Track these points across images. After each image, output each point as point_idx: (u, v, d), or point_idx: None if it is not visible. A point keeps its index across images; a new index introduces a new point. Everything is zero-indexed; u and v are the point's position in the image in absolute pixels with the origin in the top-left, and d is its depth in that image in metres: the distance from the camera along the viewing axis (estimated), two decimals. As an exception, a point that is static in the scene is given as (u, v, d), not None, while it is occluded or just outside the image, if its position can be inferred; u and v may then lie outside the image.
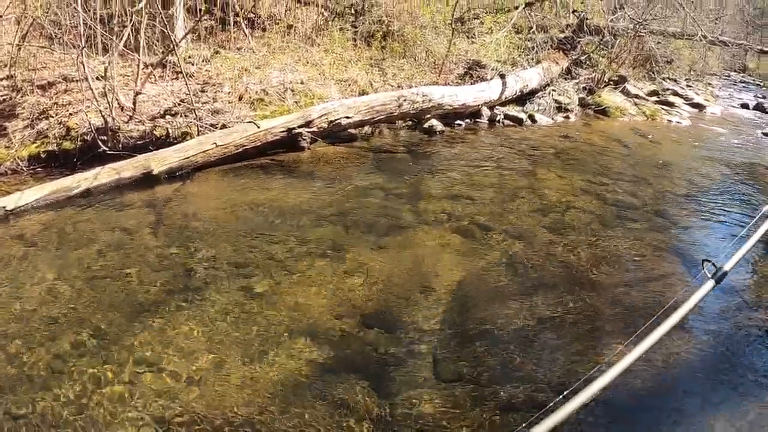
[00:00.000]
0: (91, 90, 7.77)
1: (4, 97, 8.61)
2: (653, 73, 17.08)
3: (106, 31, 9.29)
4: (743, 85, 24.27)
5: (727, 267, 3.12)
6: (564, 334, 4.68)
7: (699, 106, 15.75)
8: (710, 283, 3.05)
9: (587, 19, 15.23)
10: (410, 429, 3.67)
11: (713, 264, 3.08)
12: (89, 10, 9.03)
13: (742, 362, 4.45)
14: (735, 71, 27.07)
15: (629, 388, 4.01)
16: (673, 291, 5.34)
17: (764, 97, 19.50)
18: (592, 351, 4.51)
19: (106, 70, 8.20)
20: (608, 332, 4.77)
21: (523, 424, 2.96)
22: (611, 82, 15.25)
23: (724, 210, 7.48)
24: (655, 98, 15.51)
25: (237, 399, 3.86)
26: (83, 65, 7.80)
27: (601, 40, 14.95)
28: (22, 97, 8.59)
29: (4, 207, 6.44)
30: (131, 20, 8.96)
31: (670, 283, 5.57)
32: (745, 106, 17.33)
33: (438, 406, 3.85)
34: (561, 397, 2.68)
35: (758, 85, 24.68)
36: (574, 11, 15.98)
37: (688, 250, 6.39)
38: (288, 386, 4.00)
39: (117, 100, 8.25)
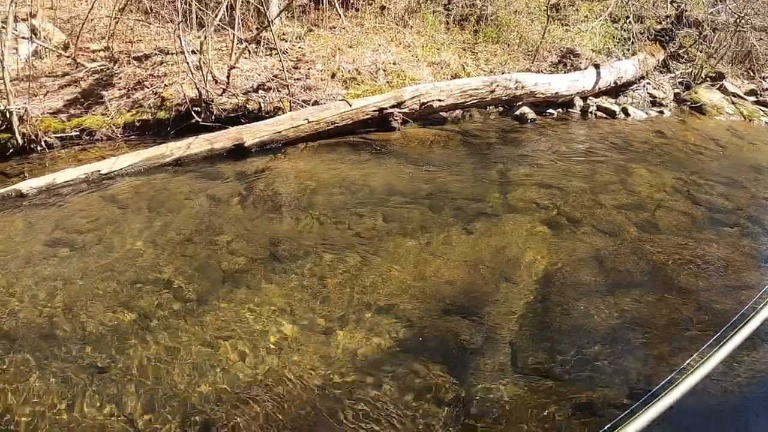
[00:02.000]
0: (187, 63, 7.82)
1: (102, 67, 8.74)
2: (753, 71, 16.45)
3: (202, 7, 9.36)
4: None
5: None
6: (646, 337, 4.52)
7: (800, 110, 15.15)
8: None
9: (686, 11, 14.72)
10: (485, 417, 3.61)
11: None
12: (186, -14, 9.12)
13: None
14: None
15: (709, 393, 3.84)
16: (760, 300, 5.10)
17: None
18: (674, 356, 4.31)
19: (201, 44, 8.27)
20: (690, 338, 4.54)
21: (607, 426, 2.80)
22: (708, 79, 14.72)
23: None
24: (753, 98, 14.93)
25: (313, 370, 3.87)
26: (180, 39, 7.86)
27: (700, 33, 14.46)
28: (119, 67, 8.73)
29: (99, 171, 6.57)
30: (227, -4, 9.01)
31: (755, 295, 5.31)
32: None
33: (514, 397, 3.78)
34: (641, 401, 2.54)
35: None
36: (672, 2, 15.46)
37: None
38: (366, 362, 3.99)
39: (211, 73, 8.32)
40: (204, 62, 8.10)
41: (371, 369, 3.90)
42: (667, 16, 14.95)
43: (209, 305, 4.44)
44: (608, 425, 2.47)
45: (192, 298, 4.53)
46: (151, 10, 9.62)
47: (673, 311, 4.86)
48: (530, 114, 10.49)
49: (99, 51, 9.11)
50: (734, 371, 4.07)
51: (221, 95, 8.22)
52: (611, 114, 11.64)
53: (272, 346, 4.04)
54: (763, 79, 16.81)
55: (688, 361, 2.71)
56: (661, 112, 12.47)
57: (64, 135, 7.62)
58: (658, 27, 14.62)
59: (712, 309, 4.93)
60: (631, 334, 4.52)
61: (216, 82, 8.36)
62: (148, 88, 8.36)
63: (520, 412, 3.65)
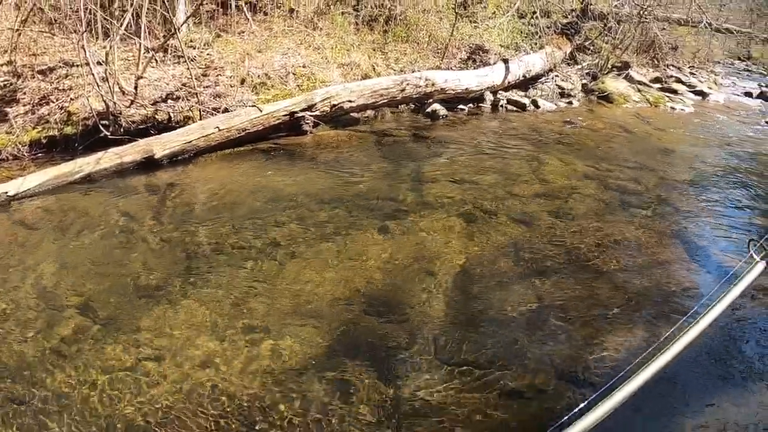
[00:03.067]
0: (93, 75, 7.70)
1: (5, 82, 8.53)
2: (657, 60, 16.98)
3: (107, 16, 9.22)
4: (747, 73, 24.16)
5: None
6: (568, 320, 4.67)
7: (702, 94, 15.71)
8: (761, 266, 2.93)
9: (591, 4, 15.14)
10: (413, 413, 3.66)
11: (763, 246, 2.96)
12: (90, -5, 8.96)
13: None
14: (739, 59, 26.94)
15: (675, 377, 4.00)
16: (669, 279, 5.33)
17: (768, 86, 19.44)
18: (595, 336, 4.50)
19: (107, 54, 8.14)
20: (610, 318, 4.74)
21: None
22: (615, 69, 15.16)
23: (727, 197, 7.46)
24: (658, 85, 15.45)
25: (241, 382, 3.85)
26: (84, 50, 7.75)
27: (605, 25, 14.88)
28: (22, 82, 8.51)
29: (6, 192, 6.42)
30: (132, 4, 8.88)
31: (669, 271, 5.55)
32: (748, 94, 17.27)
33: (441, 391, 3.84)
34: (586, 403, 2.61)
35: (762, 73, 24.59)
36: (577, -5, 15.90)
37: (690, 236, 6.37)
38: (292, 369, 3.99)
39: (118, 84, 8.20)
40: (110, 73, 7.98)
41: (298, 377, 3.92)
42: (572, 10, 15.38)
43: (128, 325, 4.38)
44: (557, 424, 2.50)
45: (110, 319, 4.45)
46: (55, 20, 9.42)
47: (592, 293, 5.05)
48: (441, 110, 10.67)
49: (1, 65, 8.89)
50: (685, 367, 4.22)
51: (129, 107, 8.11)
52: (521, 107, 11.92)
53: (196, 362, 4.01)
54: (668, 66, 17.39)
55: (657, 345, 2.78)
56: (570, 103, 12.81)
57: (-34, 157, 7.41)
58: (565, 21, 15.02)
59: (628, 288, 5.16)
60: (552, 319, 4.67)
61: (123, 93, 8.22)
62: (53, 102, 8.16)
63: (450, 405, 3.72)
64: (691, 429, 3.60)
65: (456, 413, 3.66)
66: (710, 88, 16.71)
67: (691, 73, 18.44)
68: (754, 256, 2.92)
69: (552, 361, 4.15)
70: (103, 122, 7.72)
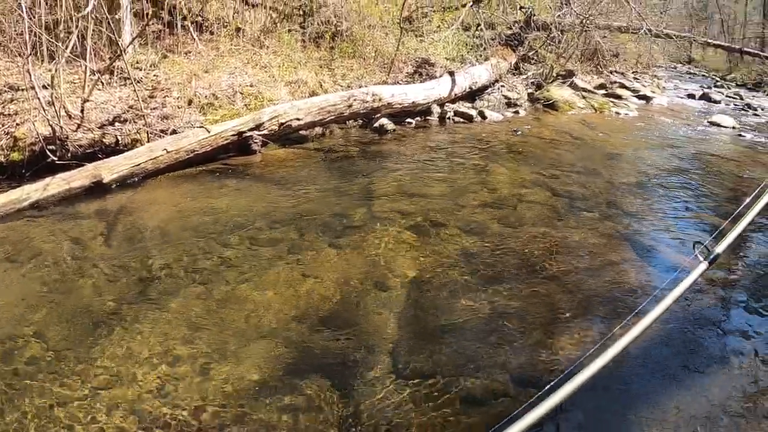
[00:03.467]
0: (38, 98, 7.66)
1: (-52, 108, 8.47)
2: (600, 66, 17.41)
3: (52, 38, 9.17)
4: (689, 76, 24.87)
5: (719, 249, 3.17)
6: (522, 326, 4.76)
7: (646, 98, 16.13)
8: (702, 266, 3.10)
9: (534, 15, 15.45)
10: (371, 427, 3.71)
11: (706, 246, 3.13)
12: (34, 17, 8.91)
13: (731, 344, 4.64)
14: (681, 63, 27.63)
15: (617, 375, 4.14)
16: (620, 280, 5.52)
17: (710, 87, 20.03)
18: (550, 339, 4.61)
19: (53, 77, 8.07)
20: (563, 321, 4.87)
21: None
22: (559, 77, 15.51)
23: (673, 198, 7.73)
24: (603, 91, 15.84)
25: (197, 406, 3.86)
26: (29, 73, 7.70)
27: (549, 35, 15.19)
28: (-35, 107, 8.45)
29: (-49, 221, 6.38)
30: (77, 26, 8.86)
31: (619, 273, 5.72)
32: (691, 96, 17.80)
33: (398, 404, 3.89)
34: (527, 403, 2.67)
35: (704, 75, 25.25)
36: (521, 8, 16.18)
37: (638, 238, 6.55)
38: (249, 391, 4.01)
39: (65, 108, 8.14)
40: (56, 97, 7.91)
41: (257, 397, 3.94)
42: (516, 21, 15.65)
43: (81, 353, 4.34)
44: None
45: (62, 348, 4.41)
46: (-1, 43, 9.39)
47: (545, 298, 5.16)
48: (389, 125, 10.81)
49: (-57, 91, 8.81)
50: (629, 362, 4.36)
51: (76, 131, 8.08)
52: (468, 118, 12.13)
53: (153, 389, 3.99)
54: (611, 73, 17.84)
55: (600, 343, 2.88)
56: (517, 112, 13.07)
57: None
58: (509, 32, 15.32)
59: (580, 291, 5.29)
60: (506, 326, 4.74)
61: (70, 117, 8.18)
62: (-1, 128, 8.14)
63: (408, 416, 3.77)
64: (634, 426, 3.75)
65: (413, 424, 3.72)
66: (654, 92, 17.16)
67: (635, 78, 18.94)
68: (699, 257, 3.08)
69: (507, 367, 4.25)
70: (50, 147, 7.65)
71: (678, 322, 4.83)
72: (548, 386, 2.60)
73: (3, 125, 8.11)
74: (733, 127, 13.28)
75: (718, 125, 13.37)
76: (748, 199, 3.98)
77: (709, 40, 19.73)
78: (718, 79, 24.27)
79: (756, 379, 4.24)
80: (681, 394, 4.05)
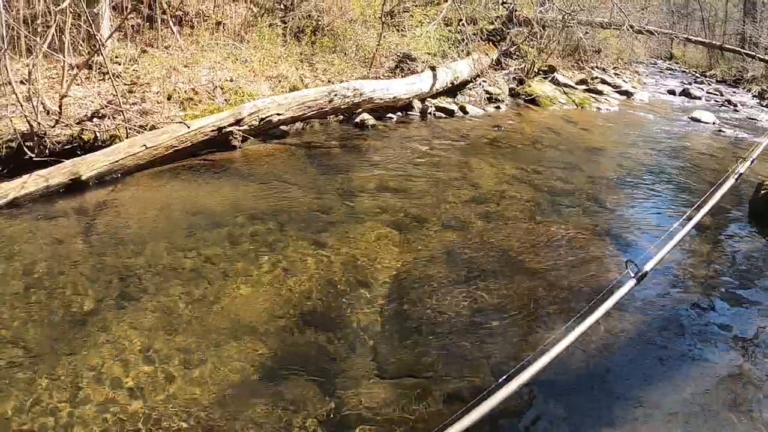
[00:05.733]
0: (15, 94, 7.57)
1: (-75, 104, 8.35)
2: (582, 62, 17.50)
3: (29, 32, 9.07)
4: (670, 72, 25.05)
5: (647, 267, 3.24)
6: (504, 320, 4.82)
7: (627, 94, 16.27)
8: (631, 282, 3.17)
9: (516, 10, 15.49)
10: (355, 425, 3.72)
11: (636, 264, 3.20)
12: (11, 11, 8.81)
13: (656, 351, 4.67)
14: (662, 59, 27.81)
15: (553, 381, 4.15)
16: (601, 274, 5.55)
17: (690, 83, 20.19)
18: (533, 333, 4.69)
19: (30, 72, 7.99)
20: (546, 314, 4.96)
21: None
22: (541, 72, 15.58)
23: (653, 191, 7.83)
24: (584, 87, 15.93)
25: (180, 405, 3.85)
26: (6, 68, 7.62)
27: (530, 31, 15.22)
28: (-59, 104, 8.34)
29: (-74, 220, 6.29)
30: (55, 20, 8.76)
31: (601, 266, 5.79)
32: (671, 92, 17.96)
33: (382, 400, 3.91)
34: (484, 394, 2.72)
35: (684, 71, 25.42)
36: (503, 3, 16.23)
37: (617, 231, 6.64)
38: (231, 389, 4.01)
39: (42, 103, 8.04)
40: (33, 92, 7.83)
41: (240, 396, 3.93)
42: (498, 17, 15.65)
43: (61, 354, 4.30)
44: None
45: (40, 349, 4.35)
46: (-25, 38, 9.27)
47: (527, 292, 5.23)
48: (370, 120, 10.80)
49: None
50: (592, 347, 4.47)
51: (54, 127, 7.97)
52: (449, 113, 12.16)
53: (133, 389, 3.96)
54: (593, 68, 17.90)
55: (534, 352, 2.90)
56: (498, 108, 13.11)
57: None
58: (491, 27, 15.34)
59: (562, 285, 5.37)
60: (489, 321, 4.80)
61: (48, 113, 8.08)
62: (-25, 124, 8.02)
63: (392, 412, 3.79)
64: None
65: (397, 420, 3.74)
66: (634, 88, 17.32)
67: (616, 74, 19.03)
68: (630, 273, 3.17)
69: (491, 362, 4.30)
70: (28, 144, 7.54)
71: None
72: (479, 396, 2.66)
73: (-21, 122, 8.00)
74: (714, 123, 13.40)
75: (699, 121, 13.49)
76: (681, 219, 4.08)
77: (690, 37, 19.86)
78: (699, 75, 24.47)
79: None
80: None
